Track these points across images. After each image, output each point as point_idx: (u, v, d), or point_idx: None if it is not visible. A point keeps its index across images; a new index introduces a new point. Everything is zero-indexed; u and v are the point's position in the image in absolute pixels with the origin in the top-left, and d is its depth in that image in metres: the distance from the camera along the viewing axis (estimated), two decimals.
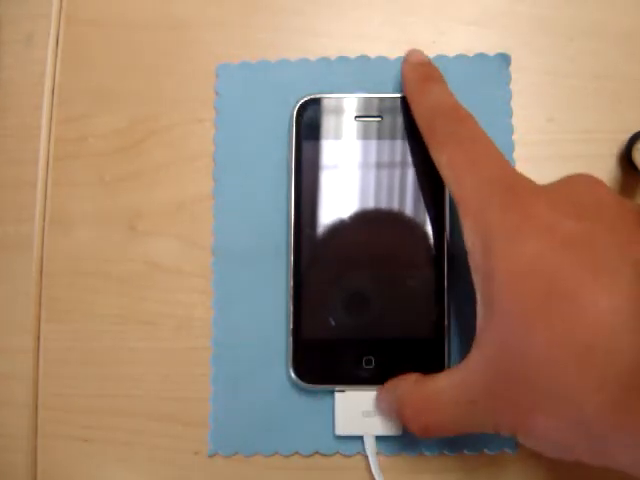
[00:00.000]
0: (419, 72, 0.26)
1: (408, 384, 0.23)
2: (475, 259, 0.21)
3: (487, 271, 0.20)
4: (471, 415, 0.21)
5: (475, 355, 0.21)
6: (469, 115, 0.24)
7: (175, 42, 0.29)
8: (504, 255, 0.19)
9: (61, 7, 0.29)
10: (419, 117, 0.25)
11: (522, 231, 0.19)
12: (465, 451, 0.26)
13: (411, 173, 0.26)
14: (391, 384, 0.24)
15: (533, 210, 0.20)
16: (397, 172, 0.26)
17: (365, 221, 0.26)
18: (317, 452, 0.26)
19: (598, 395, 0.17)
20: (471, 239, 0.21)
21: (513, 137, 0.28)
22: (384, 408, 0.25)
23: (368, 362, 0.25)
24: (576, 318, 0.18)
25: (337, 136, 0.27)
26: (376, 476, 0.25)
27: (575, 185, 0.21)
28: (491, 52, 0.28)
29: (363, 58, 0.28)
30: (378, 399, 0.25)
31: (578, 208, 0.20)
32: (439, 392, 0.22)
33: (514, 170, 0.22)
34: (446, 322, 0.25)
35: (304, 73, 0.28)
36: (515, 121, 0.28)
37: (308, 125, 0.27)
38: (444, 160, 0.23)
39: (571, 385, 0.18)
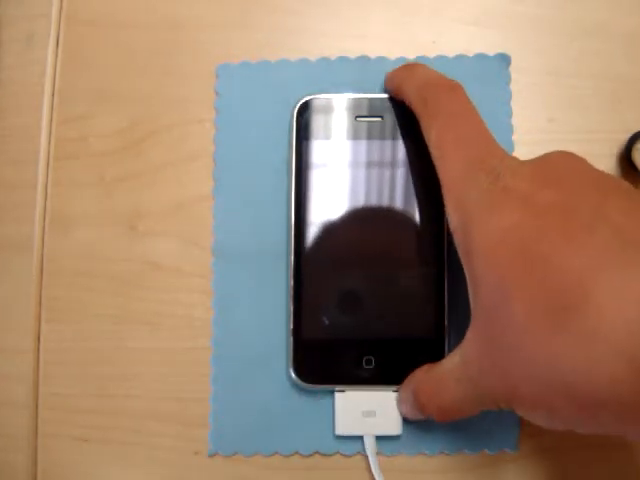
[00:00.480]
0: (402, 66, 0.27)
1: (420, 373, 0.24)
2: (457, 237, 0.21)
3: (467, 246, 0.20)
4: (473, 392, 0.21)
5: (468, 333, 0.21)
6: (459, 85, 0.24)
7: (175, 42, 0.29)
8: (481, 228, 0.20)
9: (61, 7, 0.29)
10: (411, 96, 0.25)
11: (499, 204, 0.20)
12: (465, 451, 0.26)
13: (412, 173, 0.26)
14: (406, 380, 0.25)
15: (511, 184, 0.20)
16: (398, 172, 0.26)
17: (365, 221, 0.26)
18: (317, 452, 0.26)
19: (576, 357, 0.17)
20: (453, 221, 0.21)
21: (513, 137, 0.28)
22: (406, 408, 0.25)
23: (368, 362, 0.25)
24: (550, 281, 0.18)
25: (337, 136, 0.27)
26: (376, 476, 0.25)
27: (554, 159, 0.21)
28: (491, 52, 0.28)
29: (363, 58, 0.28)
30: (399, 401, 0.25)
31: (555, 180, 0.20)
32: (444, 373, 0.22)
33: (499, 148, 0.22)
34: (446, 322, 0.25)
35: (304, 73, 0.28)
36: (515, 121, 0.28)
37: (308, 125, 0.27)
38: (433, 136, 0.23)
39: (549, 348, 0.18)
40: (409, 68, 0.26)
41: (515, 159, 0.22)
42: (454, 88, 0.24)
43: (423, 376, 0.24)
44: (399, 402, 0.25)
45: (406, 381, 0.25)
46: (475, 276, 0.20)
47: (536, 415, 0.20)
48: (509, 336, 0.19)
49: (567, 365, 0.18)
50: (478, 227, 0.20)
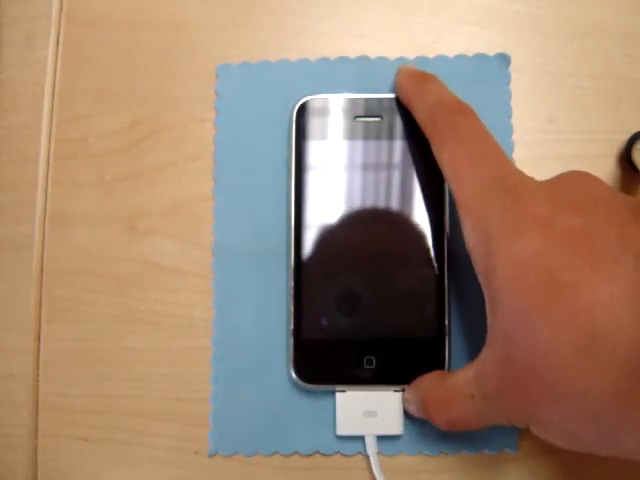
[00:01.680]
0: (414, 77, 0.26)
1: (430, 381, 0.24)
2: (477, 259, 0.21)
3: (489, 270, 0.20)
4: (486, 409, 0.21)
5: (486, 351, 0.21)
6: (470, 108, 0.24)
7: (175, 42, 0.29)
8: (504, 252, 0.20)
9: (61, 7, 0.29)
10: (420, 115, 0.25)
11: (521, 228, 0.20)
12: (465, 451, 0.26)
13: (411, 173, 0.26)
14: (415, 383, 0.25)
15: (531, 207, 0.20)
16: (397, 172, 0.26)
17: (365, 221, 0.26)
18: (317, 452, 0.26)
19: (602, 383, 0.18)
20: (472, 240, 0.21)
21: (513, 137, 0.28)
22: (412, 409, 0.25)
23: (369, 362, 0.25)
24: (576, 308, 0.18)
25: (337, 136, 0.27)
26: (377, 476, 0.25)
27: (571, 181, 0.21)
28: (491, 52, 0.28)
29: (363, 58, 0.28)
30: (405, 401, 0.25)
31: (575, 203, 0.20)
32: (457, 387, 0.22)
33: (515, 168, 0.22)
34: (447, 321, 0.25)
35: (304, 73, 0.28)
36: (515, 121, 0.28)
37: (307, 126, 0.27)
38: (445, 157, 0.23)
39: (575, 375, 0.18)
40: (419, 82, 0.26)
41: (532, 180, 0.22)
42: (465, 111, 0.24)
43: (433, 386, 0.24)
44: (405, 401, 0.25)
45: (414, 384, 0.25)
46: (496, 298, 0.20)
47: (552, 436, 0.20)
48: (532, 359, 0.19)
49: (593, 392, 0.18)
50: (500, 250, 0.20)
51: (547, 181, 0.21)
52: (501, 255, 0.20)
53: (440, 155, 0.23)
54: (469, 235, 0.21)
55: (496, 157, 0.22)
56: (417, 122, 0.25)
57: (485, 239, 0.20)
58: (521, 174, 0.22)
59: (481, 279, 0.21)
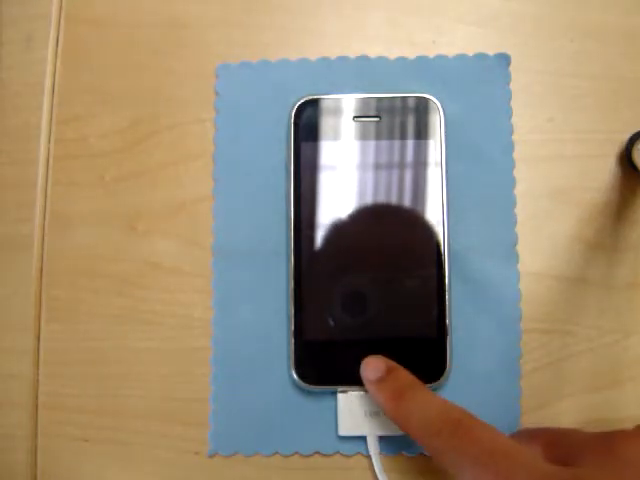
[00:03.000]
0: (386, 390, 0.24)
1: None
2: None
3: None
4: None
5: None
6: (469, 417, 0.21)
7: (175, 42, 0.29)
8: None
9: (61, 7, 0.29)
10: (414, 438, 0.22)
11: None
12: None
13: (410, 173, 0.26)
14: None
15: None
16: (396, 172, 0.26)
17: (365, 221, 0.26)
18: (317, 452, 0.26)
19: None
20: None
21: (513, 137, 0.28)
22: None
23: None
24: None
25: (336, 136, 0.27)
26: (379, 476, 0.25)
27: None
28: (491, 52, 0.28)
29: (363, 58, 0.28)
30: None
31: None
32: None
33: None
34: (447, 321, 0.25)
35: (304, 73, 0.28)
36: (515, 121, 0.28)
37: (306, 126, 0.27)
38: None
39: None
40: (394, 399, 0.23)
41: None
42: (466, 429, 0.21)
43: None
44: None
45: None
46: None
47: None
48: None
49: None
50: None
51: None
52: None
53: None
54: None
55: (524, 465, 0.20)
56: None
57: None
58: None
59: None
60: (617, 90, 0.28)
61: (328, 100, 0.27)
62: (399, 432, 0.25)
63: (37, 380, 0.27)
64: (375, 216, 0.26)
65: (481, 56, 0.28)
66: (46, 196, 0.28)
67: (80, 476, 0.27)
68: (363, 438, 0.26)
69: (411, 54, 0.28)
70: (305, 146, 0.27)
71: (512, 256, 0.27)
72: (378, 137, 0.27)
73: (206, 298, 0.27)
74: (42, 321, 0.28)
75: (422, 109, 0.27)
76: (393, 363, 0.24)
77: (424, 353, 0.25)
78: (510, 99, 0.28)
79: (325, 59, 0.28)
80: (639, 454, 0.20)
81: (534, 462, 0.20)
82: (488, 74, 0.28)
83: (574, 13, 0.28)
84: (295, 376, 0.26)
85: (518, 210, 0.27)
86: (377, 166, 0.26)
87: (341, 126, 0.27)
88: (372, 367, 0.24)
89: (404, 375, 0.24)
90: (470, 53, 0.28)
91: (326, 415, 0.26)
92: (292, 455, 0.26)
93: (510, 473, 0.19)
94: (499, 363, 0.26)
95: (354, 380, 0.25)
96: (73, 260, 0.28)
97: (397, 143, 0.26)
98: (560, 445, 0.22)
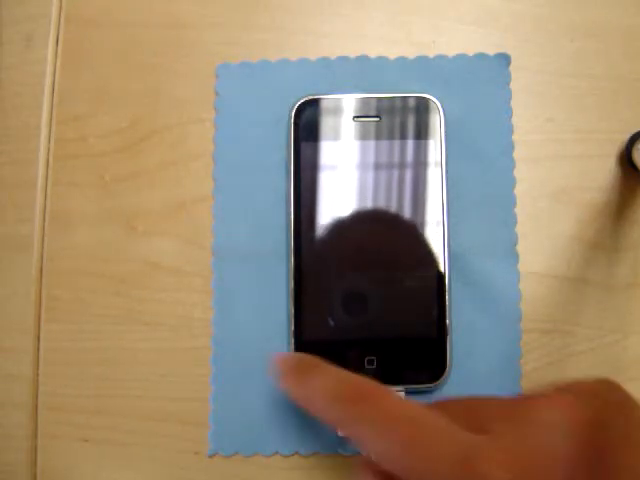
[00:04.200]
0: (290, 374, 0.22)
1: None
2: None
3: None
4: None
5: None
6: (375, 386, 0.20)
7: (175, 42, 0.29)
8: None
9: (61, 7, 0.29)
10: (317, 414, 0.21)
11: None
12: None
13: (410, 173, 0.26)
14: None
15: None
16: (396, 172, 0.26)
17: (365, 221, 0.26)
18: (317, 452, 0.26)
19: None
20: None
21: (513, 137, 0.28)
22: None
23: (370, 362, 0.25)
24: None
25: (335, 136, 0.27)
26: None
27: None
28: (491, 52, 0.28)
29: (363, 58, 0.28)
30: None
31: None
32: None
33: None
34: (447, 321, 0.25)
35: (304, 73, 0.28)
36: (515, 121, 0.28)
37: (306, 126, 0.27)
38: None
39: None
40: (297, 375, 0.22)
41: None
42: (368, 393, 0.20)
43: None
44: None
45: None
46: None
47: None
48: None
49: None
50: None
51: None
52: None
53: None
54: None
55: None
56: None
57: None
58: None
59: None
60: (617, 90, 0.28)
61: (328, 100, 0.27)
62: None
63: (37, 380, 0.27)
64: (375, 216, 0.26)
65: (481, 56, 0.28)
66: (46, 196, 0.28)
67: (80, 476, 0.27)
68: None
69: (411, 54, 0.28)
70: (305, 146, 0.27)
71: (512, 256, 0.27)
72: (378, 137, 0.27)
73: (206, 298, 0.27)
74: (42, 321, 0.28)
75: (422, 109, 0.27)
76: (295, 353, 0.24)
77: (424, 353, 0.25)
78: (510, 99, 0.28)
79: (325, 59, 0.28)
80: (551, 416, 0.18)
81: (444, 427, 0.18)
82: (488, 74, 0.28)
83: (574, 13, 0.28)
84: None
85: (518, 210, 0.27)
86: (377, 166, 0.26)
87: (341, 126, 0.27)
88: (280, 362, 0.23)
89: (308, 357, 0.23)
90: (470, 53, 0.28)
91: None
92: (292, 455, 0.26)
93: (416, 440, 0.18)
94: (499, 363, 0.26)
95: None
96: (73, 260, 0.28)
97: (397, 143, 0.26)
98: (475, 412, 0.20)
